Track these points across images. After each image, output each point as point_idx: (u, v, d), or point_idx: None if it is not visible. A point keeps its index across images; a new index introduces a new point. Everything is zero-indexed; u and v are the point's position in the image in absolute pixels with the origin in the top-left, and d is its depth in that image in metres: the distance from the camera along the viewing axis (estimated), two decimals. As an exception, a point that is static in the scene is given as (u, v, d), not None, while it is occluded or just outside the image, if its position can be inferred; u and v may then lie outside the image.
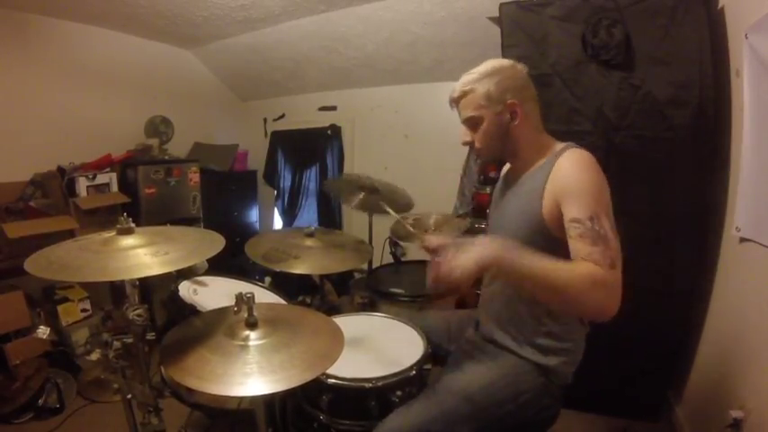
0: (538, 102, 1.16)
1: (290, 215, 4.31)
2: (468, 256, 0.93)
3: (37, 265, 0.98)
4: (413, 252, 2.57)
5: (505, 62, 1.15)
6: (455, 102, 1.16)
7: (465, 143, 1.17)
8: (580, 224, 0.95)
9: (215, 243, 1.15)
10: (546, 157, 1.12)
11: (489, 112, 1.10)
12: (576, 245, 0.95)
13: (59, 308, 2.43)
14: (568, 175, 1.02)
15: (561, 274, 0.91)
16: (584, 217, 0.95)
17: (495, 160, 1.24)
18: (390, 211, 1.56)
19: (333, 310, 1.79)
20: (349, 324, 1.37)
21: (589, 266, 0.91)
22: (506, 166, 1.34)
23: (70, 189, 2.73)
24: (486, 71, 1.11)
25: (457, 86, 1.14)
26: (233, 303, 1.08)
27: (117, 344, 1.10)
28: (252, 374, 0.92)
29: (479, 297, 1.33)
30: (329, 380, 1.16)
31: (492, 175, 2.24)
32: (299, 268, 1.53)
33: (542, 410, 1.15)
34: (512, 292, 1.16)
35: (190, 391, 1.01)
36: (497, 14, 1.97)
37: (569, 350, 1.13)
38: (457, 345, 1.34)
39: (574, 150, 1.08)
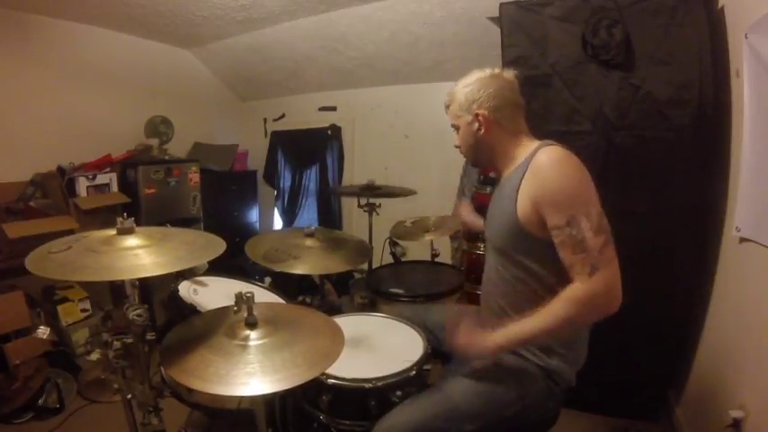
0: (518, 107, 1.17)
1: (290, 215, 4.31)
2: (481, 350, 1.05)
3: (37, 263, 0.98)
4: (413, 252, 2.57)
5: (486, 71, 1.16)
6: (446, 109, 1.25)
7: (456, 146, 1.26)
8: (559, 231, 0.98)
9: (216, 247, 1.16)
10: (521, 159, 1.12)
11: (462, 121, 1.18)
12: (560, 254, 0.99)
13: (59, 308, 2.43)
14: (543, 179, 1.02)
15: (548, 318, 0.98)
16: (561, 223, 0.97)
17: (477, 165, 1.29)
18: None
19: (333, 311, 1.79)
20: (349, 324, 1.37)
21: (568, 291, 0.96)
22: None
23: (70, 189, 2.73)
24: (465, 82, 1.17)
25: (447, 94, 1.22)
26: (233, 303, 1.08)
27: (117, 344, 1.10)
28: (254, 374, 0.92)
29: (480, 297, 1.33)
30: (329, 380, 1.16)
31: (492, 175, 2.24)
32: (299, 268, 1.53)
33: (545, 413, 1.16)
34: (512, 292, 1.16)
35: (190, 390, 1.01)
36: (497, 14, 1.96)
37: (571, 351, 1.13)
38: None
39: (546, 149, 1.06)
